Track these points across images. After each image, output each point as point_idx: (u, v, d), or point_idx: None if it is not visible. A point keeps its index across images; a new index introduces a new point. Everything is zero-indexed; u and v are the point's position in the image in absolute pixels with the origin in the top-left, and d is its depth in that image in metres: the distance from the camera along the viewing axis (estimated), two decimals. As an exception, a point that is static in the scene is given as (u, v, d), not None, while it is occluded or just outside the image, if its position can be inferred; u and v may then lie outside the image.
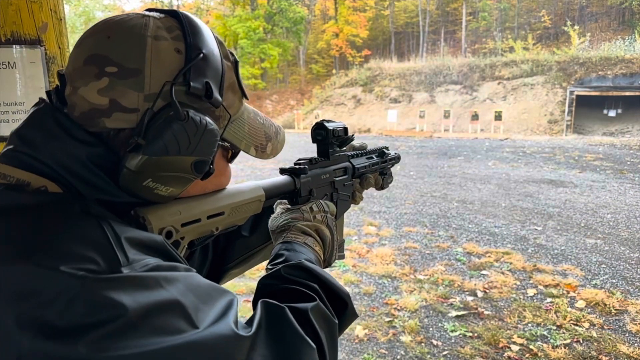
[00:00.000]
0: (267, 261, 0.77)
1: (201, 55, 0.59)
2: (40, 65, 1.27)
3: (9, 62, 1.23)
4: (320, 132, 0.95)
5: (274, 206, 0.91)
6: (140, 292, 0.45)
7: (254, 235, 0.97)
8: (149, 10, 0.62)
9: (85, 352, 0.41)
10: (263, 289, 0.68)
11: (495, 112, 19.12)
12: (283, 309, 0.57)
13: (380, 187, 1.18)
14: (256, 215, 0.86)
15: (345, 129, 0.98)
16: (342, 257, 1.02)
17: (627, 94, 18.60)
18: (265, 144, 0.74)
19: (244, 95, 0.71)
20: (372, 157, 1.12)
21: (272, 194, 0.84)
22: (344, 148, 1.02)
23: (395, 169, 1.23)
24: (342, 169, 1.01)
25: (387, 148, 1.18)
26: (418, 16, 42.14)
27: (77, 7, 37.48)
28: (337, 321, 0.65)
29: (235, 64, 0.68)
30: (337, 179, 0.99)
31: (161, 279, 0.48)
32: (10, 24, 1.22)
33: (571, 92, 19.10)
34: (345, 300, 0.69)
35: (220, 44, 0.66)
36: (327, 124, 0.94)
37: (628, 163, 10.91)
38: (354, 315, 0.71)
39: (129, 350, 0.42)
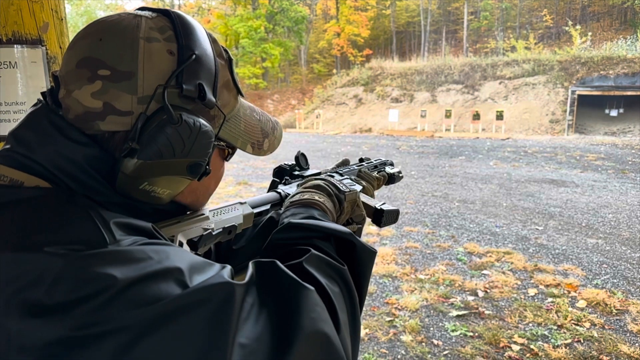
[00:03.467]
0: None
1: (193, 56, 0.59)
2: (41, 65, 1.27)
3: (10, 62, 1.23)
4: (277, 170, 0.98)
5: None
6: (128, 265, 0.45)
7: (248, 246, 0.96)
8: (141, 9, 0.62)
9: (75, 326, 0.40)
10: None
11: (497, 111, 19.09)
12: (273, 261, 0.56)
13: (390, 181, 1.18)
14: (253, 230, 0.87)
15: (296, 157, 1.00)
16: (395, 211, 0.95)
17: (629, 93, 18.56)
18: (262, 140, 0.74)
19: (239, 92, 0.70)
20: (353, 164, 1.12)
21: (256, 203, 0.86)
22: (314, 170, 1.02)
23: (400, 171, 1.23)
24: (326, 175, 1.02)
25: (368, 158, 1.19)
26: (419, 15, 42.10)
27: (79, 7, 37.54)
28: (344, 266, 0.63)
29: (230, 61, 0.68)
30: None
31: (150, 251, 0.48)
32: (12, 23, 1.22)
33: (573, 92, 19.07)
34: (350, 240, 0.67)
35: (213, 41, 0.65)
36: (281, 165, 0.98)
37: (630, 163, 10.89)
38: (367, 252, 0.68)
39: (122, 320, 0.42)
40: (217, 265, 0.52)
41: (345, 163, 1.10)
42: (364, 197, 0.94)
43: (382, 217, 0.92)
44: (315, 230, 0.67)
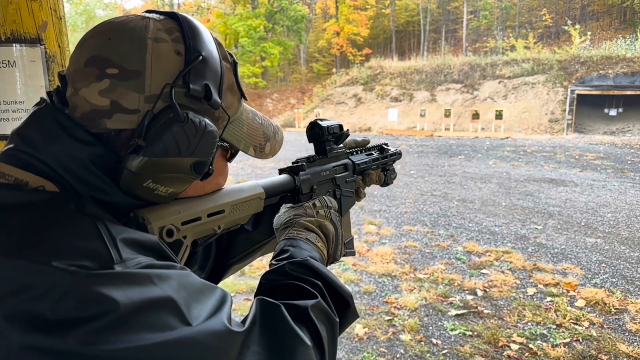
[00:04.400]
0: (271, 257, 0.77)
1: (200, 57, 0.60)
2: (40, 64, 1.27)
3: (9, 61, 1.23)
4: (315, 131, 0.96)
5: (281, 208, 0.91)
6: (132, 288, 0.46)
7: (256, 231, 0.98)
8: (149, 12, 0.63)
9: (76, 345, 0.41)
10: (266, 284, 0.69)
11: (496, 111, 19.09)
12: (278, 307, 0.57)
13: (385, 183, 1.19)
14: (259, 212, 0.87)
15: (340, 126, 0.98)
16: (352, 254, 1.03)
17: (628, 93, 18.57)
18: (264, 144, 0.75)
19: (242, 96, 0.71)
20: (372, 154, 1.13)
21: (272, 192, 0.85)
22: (341, 145, 1.02)
23: (395, 168, 1.25)
24: (342, 165, 1.02)
25: (386, 144, 1.19)
26: (419, 15, 42.08)
27: (78, 6, 37.49)
28: (338, 319, 0.65)
29: (234, 65, 0.69)
30: (337, 175, 1.00)
31: (153, 276, 0.48)
32: (10, 22, 1.22)
33: (572, 91, 19.08)
34: (347, 300, 0.70)
35: (219, 45, 0.66)
36: (320, 122, 0.95)
37: (629, 162, 10.90)
38: (354, 316, 0.72)
39: (119, 345, 0.42)
40: (218, 293, 0.54)
41: (364, 144, 1.12)
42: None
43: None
44: (325, 280, 0.69)
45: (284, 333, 0.55)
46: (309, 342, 0.56)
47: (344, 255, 0.96)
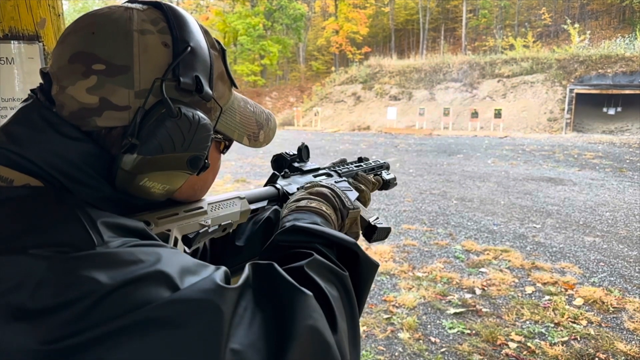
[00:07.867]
0: None
1: (189, 48, 0.58)
2: (38, 61, 1.27)
3: (7, 58, 1.23)
4: (277, 159, 0.98)
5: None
6: (115, 268, 0.44)
7: (246, 247, 0.94)
8: (131, 1, 0.61)
9: (60, 333, 0.39)
10: None
11: (495, 110, 19.12)
12: (271, 264, 0.55)
13: (383, 187, 1.17)
14: (253, 228, 0.88)
15: (299, 148, 1.00)
16: (386, 230, 0.94)
17: (627, 92, 18.59)
18: (258, 132, 0.74)
19: (233, 84, 0.70)
20: (350, 164, 1.12)
21: (254, 199, 0.86)
22: (314, 164, 1.02)
23: (394, 167, 1.26)
24: (324, 175, 1.01)
25: (367, 158, 1.19)
26: (418, 13, 42.06)
27: (77, 3, 37.40)
28: (346, 272, 0.62)
29: (223, 52, 0.67)
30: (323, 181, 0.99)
31: (139, 254, 0.46)
32: (9, 19, 1.22)
33: (571, 90, 19.10)
34: (353, 250, 0.66)
35: (205, 33, 0.64)
36: (279, 153, 0.97)
37: (627, 161, 10.92)
38: (370, 263, 0.67)
39: (107, 327, 0.40)
40: (212, 267, 0.51)
41: (342, 162, 1.10)
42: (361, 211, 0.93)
43: (374, 234, 0.91)
44: (320, 237, 0.66)
45: (281, 287, 0.52)
46: (308, 292, 0.52)
47: (378, 232, 0.90)
